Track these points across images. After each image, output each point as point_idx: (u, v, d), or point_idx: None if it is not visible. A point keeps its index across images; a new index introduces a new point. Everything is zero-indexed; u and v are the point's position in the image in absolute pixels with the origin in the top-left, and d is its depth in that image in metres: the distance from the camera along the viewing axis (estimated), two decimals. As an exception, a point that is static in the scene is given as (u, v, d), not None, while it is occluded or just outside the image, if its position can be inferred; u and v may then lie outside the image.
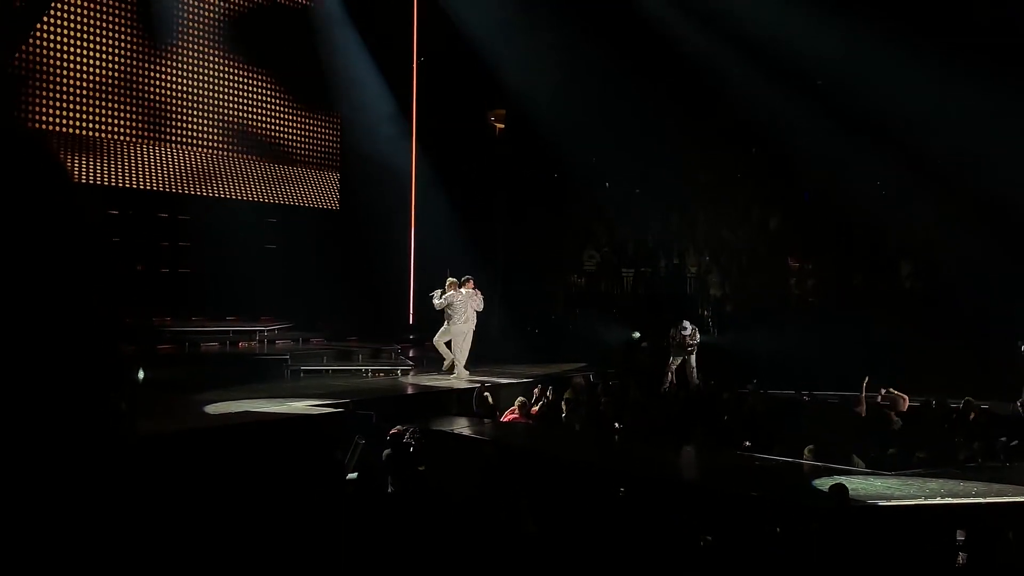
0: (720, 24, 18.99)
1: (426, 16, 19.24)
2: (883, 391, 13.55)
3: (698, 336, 17.76)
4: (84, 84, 17.07)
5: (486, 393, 13.43)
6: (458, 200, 19.93)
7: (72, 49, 16.91)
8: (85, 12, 17.14)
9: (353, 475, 10.52)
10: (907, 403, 13.22)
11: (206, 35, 18.37)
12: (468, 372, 15.45)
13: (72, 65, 16.89)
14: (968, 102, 18.34)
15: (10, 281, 1.46)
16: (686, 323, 17.62)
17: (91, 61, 17.12)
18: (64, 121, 16.82)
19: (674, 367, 17.60)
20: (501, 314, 19.50)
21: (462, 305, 15.49)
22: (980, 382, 15.17)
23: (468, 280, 15.74)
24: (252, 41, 19.00)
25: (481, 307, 15.74)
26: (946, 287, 18.49)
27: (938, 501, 8.25)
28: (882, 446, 11.01)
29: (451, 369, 15.51)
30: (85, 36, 17.10)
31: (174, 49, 18.27)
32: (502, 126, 23.35)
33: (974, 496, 8.44)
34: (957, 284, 18.05)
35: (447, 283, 15.65)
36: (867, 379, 13.49)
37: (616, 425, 12.73)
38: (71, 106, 16.94)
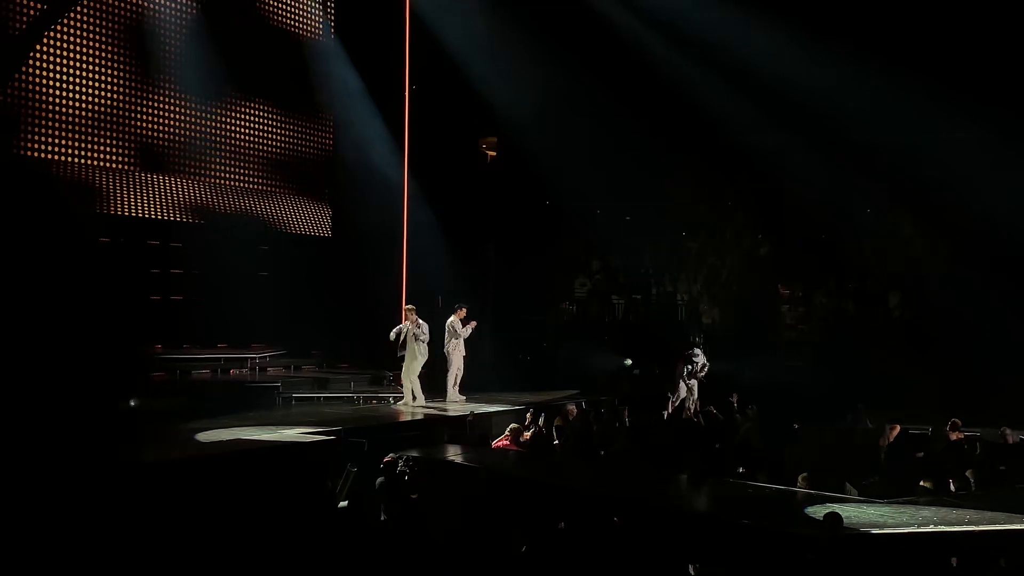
0: (710, 54, 19.15)
1: (418, 44, 19.33)
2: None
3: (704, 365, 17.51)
4: (73, 112, 17.10)
5: (469, 423, 13.46)
6: (450, 227, 19.97)
7: (62, 77, 16.93)
8: (76, 41, 17.19)
9: (344, 503, 10.49)
10: (896, 432, 13.23)
11: (197, 63, 18.39)
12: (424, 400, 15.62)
13: (61, 93, 16.91)
14: (954, 131, 18.57)
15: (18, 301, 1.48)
16: (698, 351, 17.38)
17: (82, 89, 17.14)
18: (55, 149, 16.84)
19: (692, 397, 17.13)
20: (493, 342, 19.51)
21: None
22: (969, 409, 15.24)
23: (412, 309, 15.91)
24: (247, 70, 19.04)
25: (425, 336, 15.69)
26: (934, 315, 18.59)
27: (931, 529, 8.26)
28: (873, 473, 11.04)
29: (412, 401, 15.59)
30: (76, 64, 17.14)
31: (166, 77, 18.31)
32: (493, 154, 23.46)
33: (967, 524, 8.45)
34: (946, 312, 18.14)
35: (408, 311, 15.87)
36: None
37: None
38: (61, 134, 16.96)
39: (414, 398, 15.46)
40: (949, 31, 18.55)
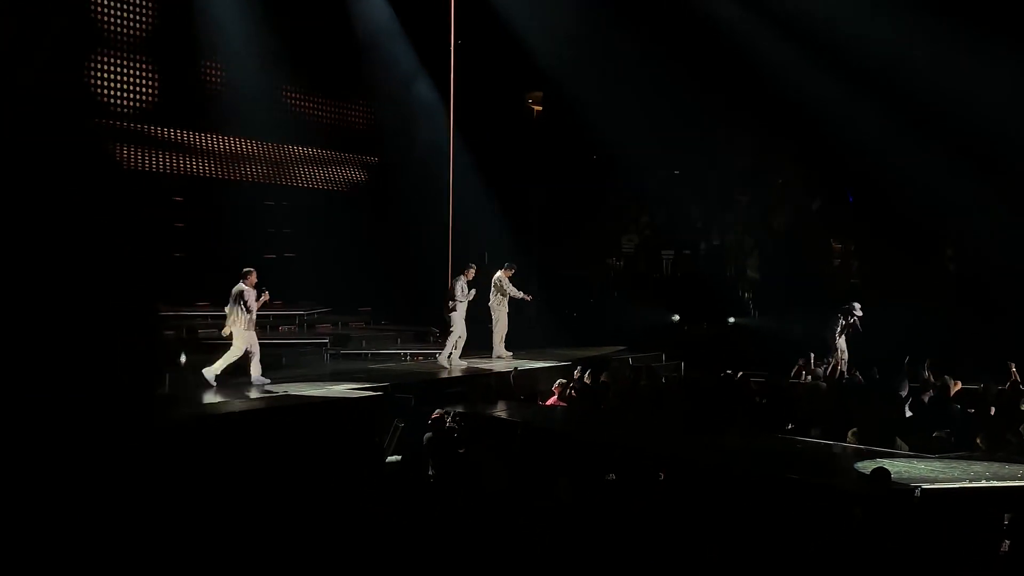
0: (763, 5, 18.75)
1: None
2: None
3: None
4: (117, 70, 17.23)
5: (514, 380, 13.37)
6: (496, 183, 19.88)
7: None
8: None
9: (394, 458, 10.58)
10: (958, 386, 13.01)
11: (238, 19, 18.36)
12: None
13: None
14: (1014, 84, 18.07)
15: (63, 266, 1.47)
16: (856, 305, 16.36)
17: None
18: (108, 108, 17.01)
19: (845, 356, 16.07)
20: (539, 298, 19.48)
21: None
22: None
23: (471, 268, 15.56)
24: (287, 26, 18.98)
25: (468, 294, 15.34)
26: (990, 269, 18.21)
27: (983, 484, 8.13)
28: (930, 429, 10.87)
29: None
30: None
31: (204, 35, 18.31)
32: (540, 108, 23.27)
33: (1021, 479, 8.31)
34: (1001, 266, 17.77)
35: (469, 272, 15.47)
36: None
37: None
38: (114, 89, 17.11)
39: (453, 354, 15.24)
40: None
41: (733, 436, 11.08)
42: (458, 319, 15.21)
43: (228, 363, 12.61)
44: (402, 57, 20.31)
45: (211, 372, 12.50)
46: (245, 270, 12.84)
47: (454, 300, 15.24)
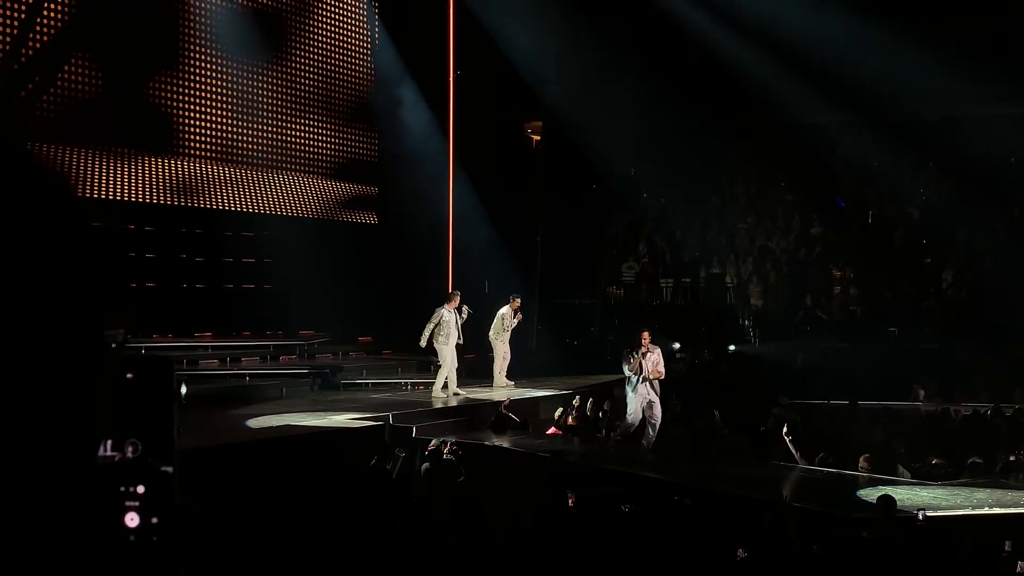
0: (761, 34, 18.89)
1: (462, 29, 19.32)
2: None
3: None
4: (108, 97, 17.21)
5: (505, 410, 13.21)
6: (496, 212, 19.93)
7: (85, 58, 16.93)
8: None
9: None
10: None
11: (239, 45, 18.43)
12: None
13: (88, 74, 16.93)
14: (1008, 107, 18.25)
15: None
16: None
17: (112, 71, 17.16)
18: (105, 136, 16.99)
19: None
20: (540, 326, 19.46)
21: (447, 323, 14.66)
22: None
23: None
24: (291, 55, 19.10)
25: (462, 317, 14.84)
26: (989, 294, 18.25)
27: (985, 511, 8.10)
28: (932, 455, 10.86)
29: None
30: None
31: (207, 59, 18.40)
32: (539, 137, 23.36)
33: (1022, 506, 8.28)
34: (1000, 290, 17.80)
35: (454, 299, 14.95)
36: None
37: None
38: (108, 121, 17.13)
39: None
40: (997, 10, 18.32)
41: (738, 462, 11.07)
42: (446, 350, 14.63)
43: (503, 366, 15.35)
44: (403, 88, 20.42)
45: (501, 380, 15.26)
46: (512, 296, 15.52)
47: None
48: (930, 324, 18.62)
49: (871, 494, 8.47)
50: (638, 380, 12.26)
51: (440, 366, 14.77)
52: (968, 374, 16.23)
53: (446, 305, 14.75)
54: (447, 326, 14.50)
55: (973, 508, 8.26)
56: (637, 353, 12.35)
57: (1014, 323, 16.76)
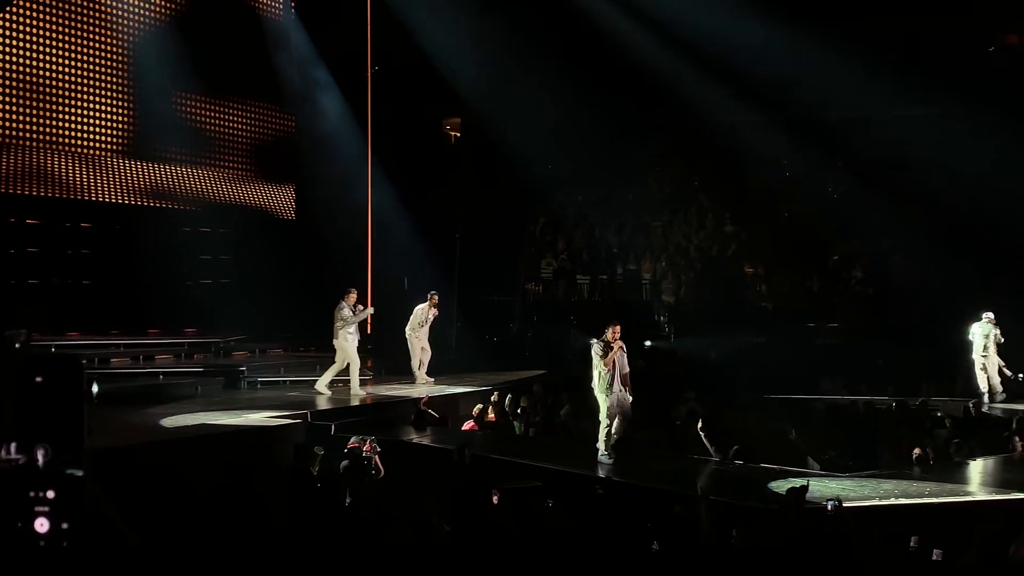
0: (675, 33, 19.11)
1: (379, 25, 19.19)
2: None
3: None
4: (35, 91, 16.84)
5: (424, 407, 13.14)
6: (415, 209, 19.86)
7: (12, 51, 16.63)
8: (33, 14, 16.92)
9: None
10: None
11: (153, 39, 18.11)
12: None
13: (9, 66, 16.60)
14: (914, 106, 18.81)
15: None
16: (990, 315, 14.63)
17: (25, 62, 16.83)
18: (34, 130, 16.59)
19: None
20: (459, 323, 19.46)
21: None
22: (933, 383, 15.45)
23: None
24: (206, 50, 18.74)
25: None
26: (897, 291, 18.78)
27: (892, 502, 8.35)
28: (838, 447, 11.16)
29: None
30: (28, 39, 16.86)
31: (126, 57, 18.03)
32: (457, 134, 23.35)
33: (927, 496, 8.56)
34: (907, 287, 18.34)
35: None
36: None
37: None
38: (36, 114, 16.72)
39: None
40: (906, 9, 18.84)
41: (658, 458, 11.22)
42: (346, 346, 14.27)
43: (423, 363, 15.30)
44: (321, 84, 20.25)
45: (422, 376, 15.19)
46: (430, 292, 15.33)
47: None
48: (839, 320, 19.13)
49: (782, 486, 8.66)
50: (613, 377, 10.85)
51: (334, 364, 14.49)
52: (875, 369, 16.69)
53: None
54: (350, 322, 14.26)
55: (881, 499, 8.50)
56: (612, 347, 10.82)
57: (921, 319, 17.25)
